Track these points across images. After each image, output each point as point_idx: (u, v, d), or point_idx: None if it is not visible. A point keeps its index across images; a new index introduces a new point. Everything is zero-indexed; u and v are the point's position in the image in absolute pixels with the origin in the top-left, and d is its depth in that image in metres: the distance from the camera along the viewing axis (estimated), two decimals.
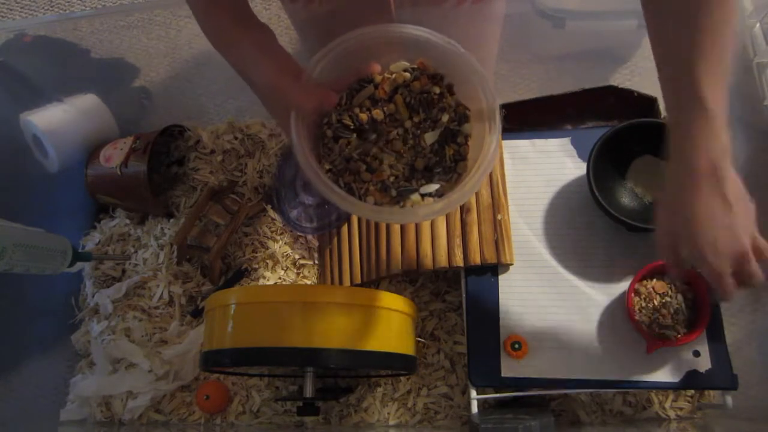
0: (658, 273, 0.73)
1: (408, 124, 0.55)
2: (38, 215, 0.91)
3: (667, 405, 0.78)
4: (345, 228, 0.89)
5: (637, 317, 0.71)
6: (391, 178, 0.53)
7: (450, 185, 0.54)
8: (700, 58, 0.46)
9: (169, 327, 0.91)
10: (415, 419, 0.82)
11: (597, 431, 0.75)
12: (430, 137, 0.54)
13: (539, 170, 0.82)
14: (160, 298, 0.93)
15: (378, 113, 0.54)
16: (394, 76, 0.55)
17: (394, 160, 0.54)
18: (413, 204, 0.52)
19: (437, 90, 0.55)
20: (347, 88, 0.55)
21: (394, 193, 0.53)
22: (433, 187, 0.53)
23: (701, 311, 0.70)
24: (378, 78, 0.55)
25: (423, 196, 0.53)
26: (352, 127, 0.54)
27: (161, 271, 0.95)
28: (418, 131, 0.55)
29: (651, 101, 0.85)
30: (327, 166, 0.54)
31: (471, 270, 0.78)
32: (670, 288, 0.72)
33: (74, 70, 1.02)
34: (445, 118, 0.54)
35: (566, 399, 0.80)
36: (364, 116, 0.54)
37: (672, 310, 0.71)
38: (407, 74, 0.55)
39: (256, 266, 0.94)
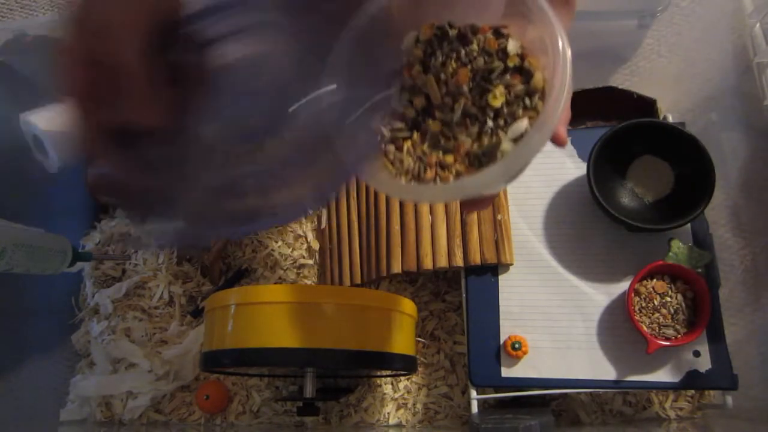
0: (658, 273, 0.73)
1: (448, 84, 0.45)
2: (38, 215, 0.91)
3: (667, 405, 0.78)
4: (345, 228, 0.89)
5: (637, 317, 0.71)
6: (475, 146, 0.44)
7: (539, 108, 0.43)
8: None
9: (169, 327, 0.91)
10: (415, 419, 0.82)
11: (597, 431, 0.75)
12: (477, 86, 0.44)
13: (539, 170, 0.82)
14: (160, 298, 0.93)
15: (418, 101, 0.46)
16: (413, 53, 0.46)
17: (467, 123, 0.44)
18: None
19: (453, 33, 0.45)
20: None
21: (483, 157, 0.43)
22: (522, 124, 0.42)
23: (701, 311, 0.70)
24: (400, 63, 0.46)
25: (516, 140, 0.42)
26: (405, 128, 0.46)
27: (161, 271, 0.95)
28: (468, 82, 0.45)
29: (651, 102, 0.85)
30: (406, 178, 0.45)
31: (471, 270, 0.78)
32: (670, 288, 0.72)
33: None
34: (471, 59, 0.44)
35: (566, 399, 0.80)
36: (409, 111, 0.46)
37: (672, 310, 0.71)
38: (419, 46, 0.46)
39: (256, 266, 0.94)
